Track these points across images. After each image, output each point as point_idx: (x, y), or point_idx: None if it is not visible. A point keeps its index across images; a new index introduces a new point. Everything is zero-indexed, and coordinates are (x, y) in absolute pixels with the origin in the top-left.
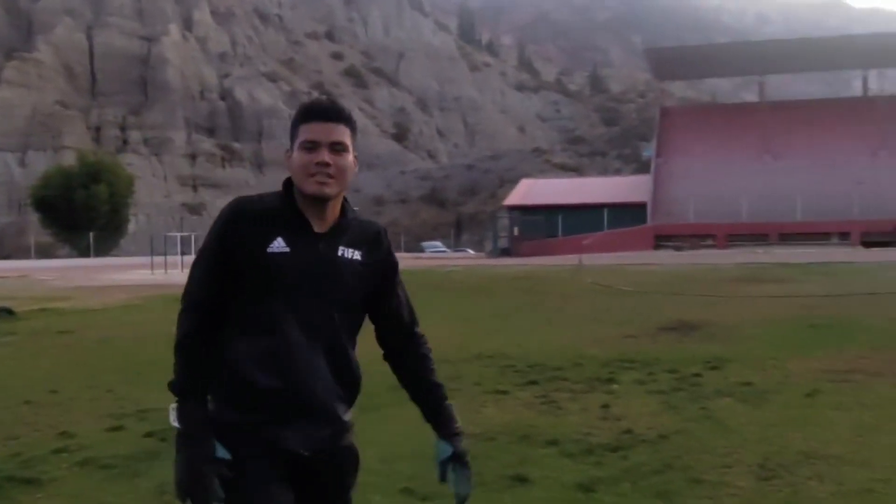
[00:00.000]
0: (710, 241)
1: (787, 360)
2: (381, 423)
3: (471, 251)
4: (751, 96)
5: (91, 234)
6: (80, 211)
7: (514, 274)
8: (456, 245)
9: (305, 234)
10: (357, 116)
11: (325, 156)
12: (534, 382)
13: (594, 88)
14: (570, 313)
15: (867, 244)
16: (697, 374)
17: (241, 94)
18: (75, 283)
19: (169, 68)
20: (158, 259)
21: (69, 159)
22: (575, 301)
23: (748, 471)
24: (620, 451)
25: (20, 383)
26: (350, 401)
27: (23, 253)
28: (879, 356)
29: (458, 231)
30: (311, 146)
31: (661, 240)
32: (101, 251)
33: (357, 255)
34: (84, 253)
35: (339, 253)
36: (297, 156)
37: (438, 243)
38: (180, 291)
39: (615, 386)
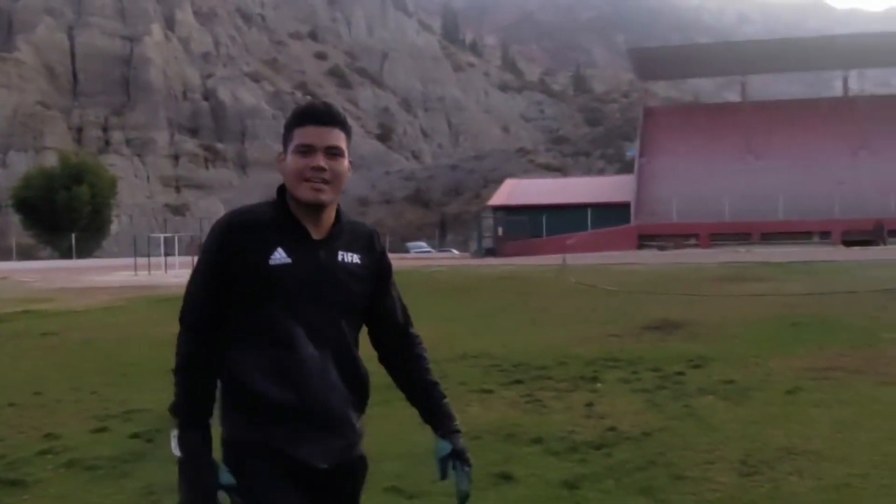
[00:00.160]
0: (693, 241)
1: (768, 359)
2: (368, 423)
3: (455, 251)
4: (733, 96)
5: (73, 236)
6: (62, 212)
7: (498, 274)
8: (440, 245)
9: (304, 243)
10: None
11: (321, 160)
12: (518, 381)
13: (578, 88)
14: (555, 313)
15: (848, 243)
16: (680, 373)
17: (224, 94)
18: (57, 284)
19: (151, 68)
20: (142, 260)
21: (51, 160)
22: (559, 301)
23: (730, 467)
24: (604, 449)
25: (3, 385)
26: (362, 408)
27: (4, 255)
28: (859, 354)
29: (442, 231)
30: (306, 150)
31: (645, 239)
32: (84, 253)
33: (356, 259)
34: (66, 254)
35: (340, 258)
36: (292, 160)
37: (423, 244)
38: (163, 293)
39: (599, 384)
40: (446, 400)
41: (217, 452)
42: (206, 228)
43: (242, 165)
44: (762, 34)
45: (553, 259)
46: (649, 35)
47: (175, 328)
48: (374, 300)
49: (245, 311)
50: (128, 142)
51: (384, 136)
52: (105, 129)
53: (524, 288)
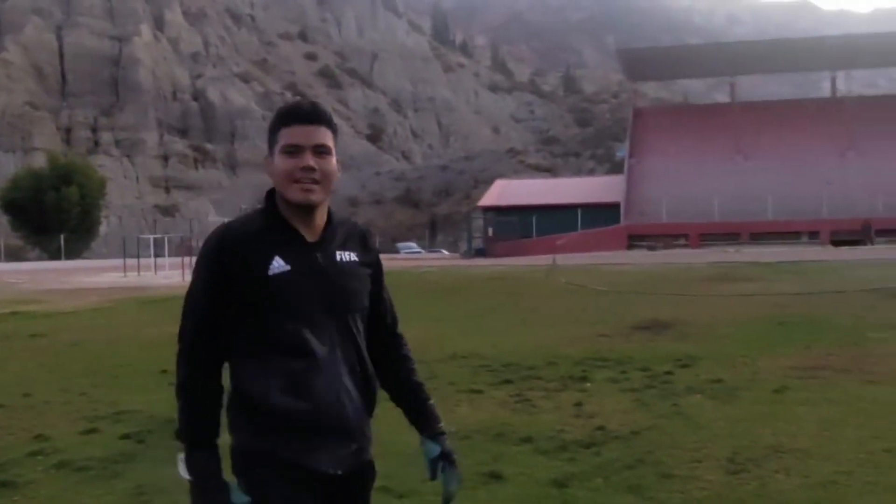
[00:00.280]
0: (682, 241)
1: (756, 358)
2: None
3: (445, 252)
4: (722, 97)
5: (62, 237)
6: (51, 213)
7: (488, 274)
8: (430, 246)
9: (300, 247)
10: None
11: (309, 160)
12: (508, 381)
13: (568, 89)
14: (545, 313)
15: (836, 243)
16: (669, 372)
17: (213, 94)
18: (46, 286)
19: (140, 69)
20: (131, 262)
21: (39, 161)
22: (549, 301)
23: (717, 465)
24: (593, 448)
25: None
26: (371, 410)
27: None
28: (846, 353)
29: (432, 232)
30: (294, 150)
31: (635, 240)
32: (72, 254)
33: (353, 257)
34: (55, 256)
35: (338, 259)
36: (280, 161)
37: (413, 244)
38: (153, 294)
39: (588, 384)
40: (432, 401)
41: (226, 460)
42: (196, 229)
43: (232, 166)
44: (752, 35)
45: (543, 259)
46: (639, 36)
47: (163, 329)
48: (371, 299)
49: (252, 324)
50: (117, 142)
51: (374, 136)
52: (94, 130)
53: (514, 288)
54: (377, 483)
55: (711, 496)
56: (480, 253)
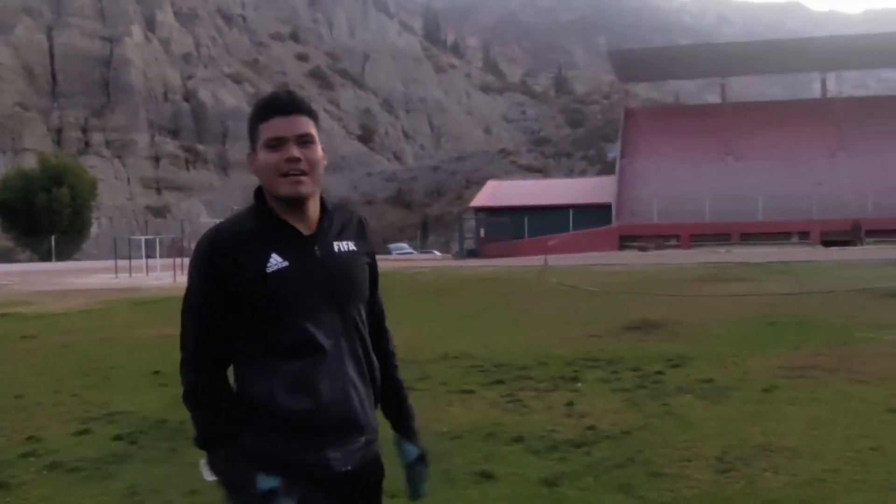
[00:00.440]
0: (673, 242)
1: (746, 358)
2: None
3: (437, 253)
4: (714, 97)
5: (52, 238)
6: (42, 214)
7: (480, 275)
8: (422, 247)
9: (297, 242)
10: (322, 118)
11: (294, 150)
12: (499, 382)
13: (559, 90)
14: (536, 314)
15: (826, 243)
16: (660, 372)
17: (204, 95)
18: (37, 287)
19: (131, 69)
20: (122, 263)
21: (30, 162)
22: (541, 301)
23: (707, 464)
24: (584, 447)
25: None
26: (376, 401)
27: None
28: (835, 353)
29: (424, 232)
30: (277, 143)
31: (626, 240)
32: (63, 255)
33: (351, 245)
34: (45, 257)
35: (336, 249)
36: (263, 156)
37: (405, 245)
38: (144, 295)
39: (579, 384)
40: (410, 401)
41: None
42: (188, 230)
43: (223, 167)
44: (741, 35)
45: (535, 260)
46: (630, 37)
47: (155, 330)
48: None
49: (253, 325)
50: (108, 143)
51: (366, 137)
52: (85, 131)
53: (506, 289)
54: None
55: (700, 495)
56: (472, 254)
